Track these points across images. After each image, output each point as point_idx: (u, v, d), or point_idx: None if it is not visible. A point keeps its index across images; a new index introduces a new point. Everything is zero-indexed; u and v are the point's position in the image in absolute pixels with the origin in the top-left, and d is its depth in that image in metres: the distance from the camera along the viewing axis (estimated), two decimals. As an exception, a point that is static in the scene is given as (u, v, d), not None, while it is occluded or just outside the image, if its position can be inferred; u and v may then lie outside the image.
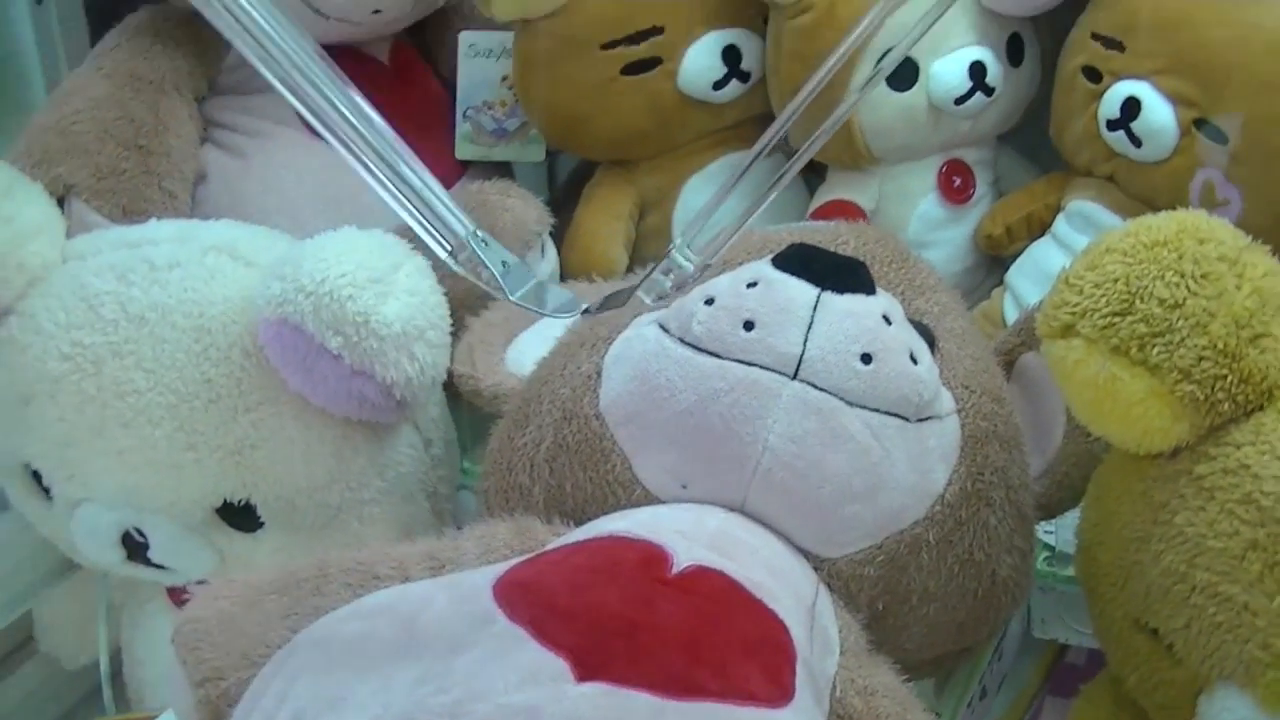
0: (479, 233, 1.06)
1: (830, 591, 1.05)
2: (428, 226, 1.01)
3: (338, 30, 1.57)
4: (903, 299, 1.13)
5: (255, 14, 0.96)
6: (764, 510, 1.05)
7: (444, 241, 1.03)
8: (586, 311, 1.11)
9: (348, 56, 1.58)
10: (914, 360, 1.05)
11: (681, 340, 1.06)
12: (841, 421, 1.02)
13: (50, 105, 1.55)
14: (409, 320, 1.22)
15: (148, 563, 1.36)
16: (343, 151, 1.03)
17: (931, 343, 1.11)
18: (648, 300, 1.06)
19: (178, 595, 1.46)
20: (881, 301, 1.07)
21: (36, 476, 1.36)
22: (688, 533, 1.00)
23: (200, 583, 1.39)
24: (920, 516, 1.07)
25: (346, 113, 0.99)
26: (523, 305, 1.09)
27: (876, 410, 1.03)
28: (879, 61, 1.38)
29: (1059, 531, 1.28)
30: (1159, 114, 1.37)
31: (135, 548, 1.35)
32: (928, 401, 1.06)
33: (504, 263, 1.07)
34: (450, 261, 1.07)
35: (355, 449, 1.32)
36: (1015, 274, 1.52)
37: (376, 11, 1.55)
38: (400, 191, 1.03)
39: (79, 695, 1.68)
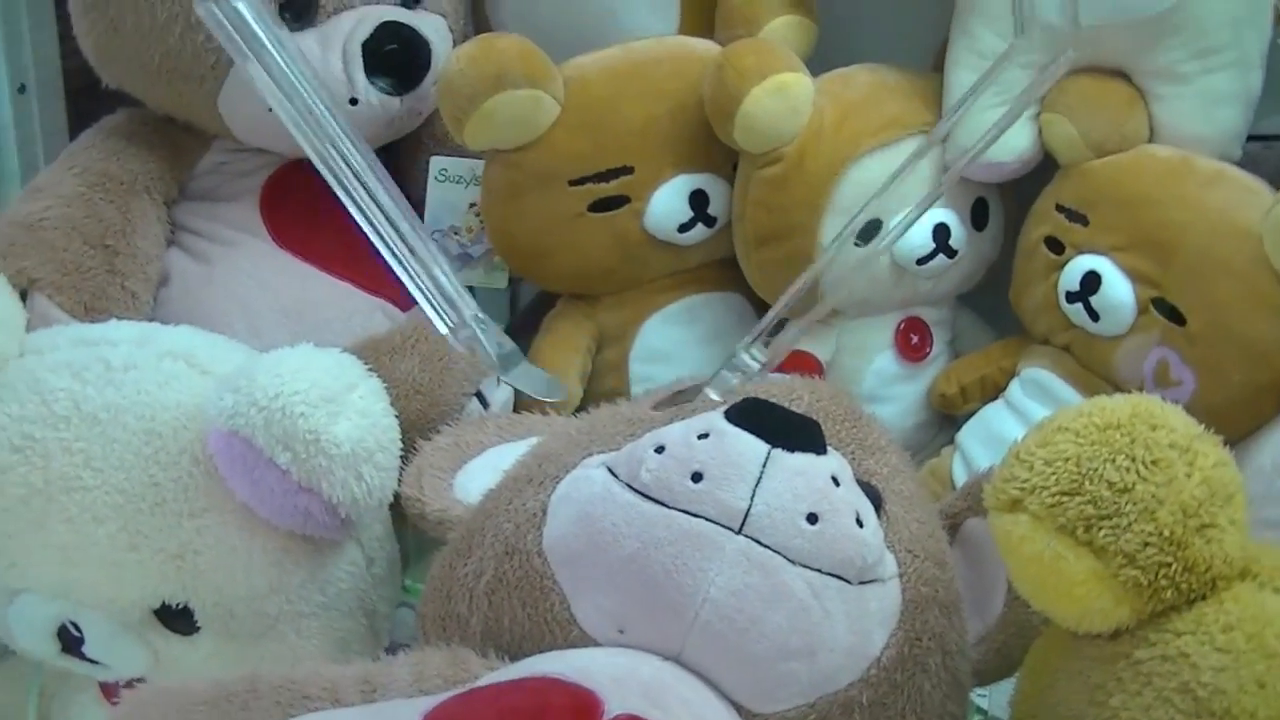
0: (480, 316, 1.12)
1: None
2: (434, 303, 1.00)
3: None
4: (853, 459, 1.12)
5: (301, 88, 0.95)
6: (700, 661, 1.03)
7: (447, 319, 1.02)
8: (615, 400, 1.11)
9: (315, 171, 1.55)
10: (860, 523, 1.04)
11: (629, 486, 1.05)
12: (784, 579, 1.01)
13: (20, 200, 1.55)
14: (359, 441, 1.22)
15: (82, 657, 1.35)
16: (362, 221, 1.03)
17: (878, 504, 1.10)
18: (716, 397, 1.07)
19: (110, 690, 1.45)
20: (831, 462, 1.06)
21: None
22: (621, 680, 0.99)
23: (132, 681, 1.36)
24: (855, 678, 1.05)
25: (374, 186, 0.98)
26: (514, 385, 1.17)
27: (819, 570, 1.02)
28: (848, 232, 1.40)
29: (992, 696, 1.26)
30: (1118, 290, 1.37)
31: (70, 641, 1.34)
32: (871, 565, 1.05)
33: (500, 344, 1.14)
34: (450, 338, 1.12)
35: (297, 562, 1.31)
36: (966, 434, 1.52)
37: (351, 132, 1.52)
38: (412, 266, 1.02)
39: (3, 786, 1.66)
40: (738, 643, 1.02)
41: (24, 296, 1.43)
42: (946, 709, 1.12)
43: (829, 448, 1.07)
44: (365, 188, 1.05)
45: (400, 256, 1.07)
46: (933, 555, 1.13)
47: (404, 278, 1.06)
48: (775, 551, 1.01)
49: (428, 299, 1.07)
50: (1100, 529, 0.96)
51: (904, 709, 1.08)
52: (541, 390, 1.18)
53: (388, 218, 1.05)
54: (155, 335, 1.35)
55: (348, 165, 1.04)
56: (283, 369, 1.22)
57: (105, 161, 1.55)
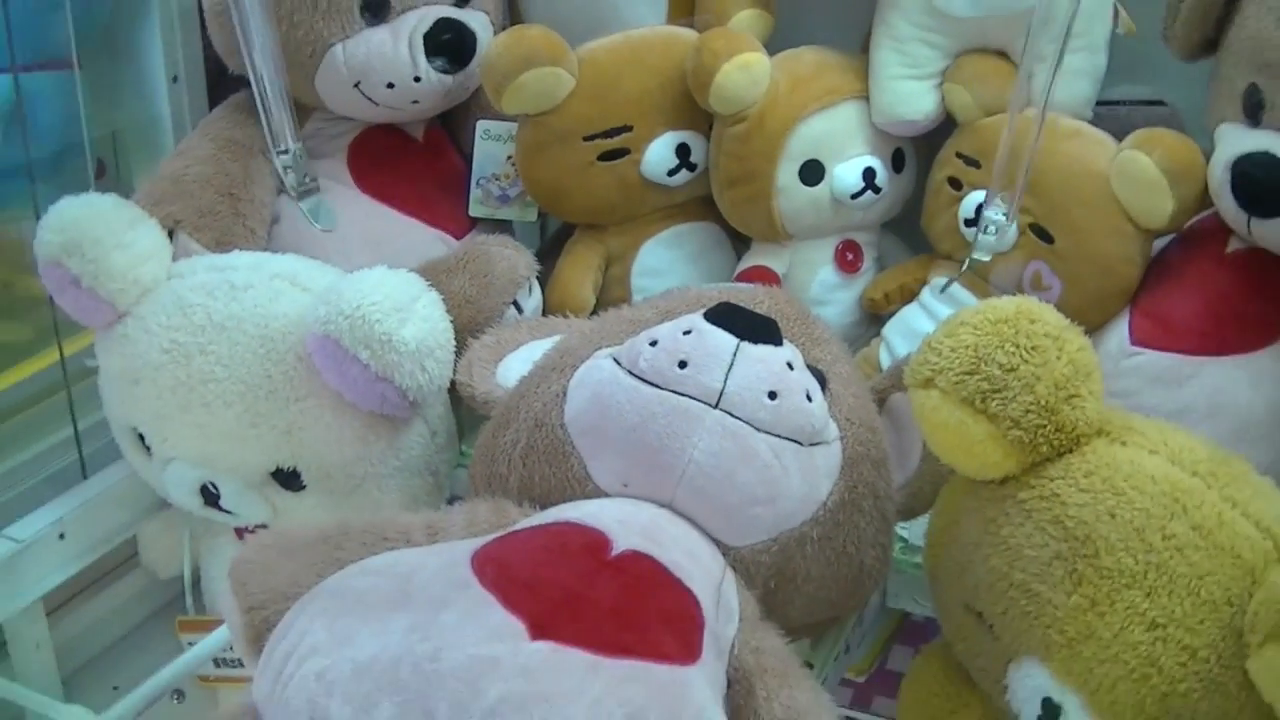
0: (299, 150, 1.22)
1: (734, 573, 1.04)
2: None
3: (384, 114, 1.56)
4: (803, 349, 1.11)
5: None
6: (687, 508, 1.04)
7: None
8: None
9: (391, 133, 1.61)
10: (809, 398, 1.05)
11: (630, 372, 1.05)
12: (751, 443, 1.02)
13: (168, 160, 1.54)
14: (422, 340, 1.24)
15: (219, 509, 1.39)
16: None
17: (823, 384, 1.10)
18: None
19: (242, 534, 1.49)
20: (786, 352, 1.06)
21: (141, 438, 1.38)
22: (626, 522, 1.00)
23: (259, 526, 1.42)
24: (807, 518, 1.06)
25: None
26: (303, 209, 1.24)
27: (779, 436, 1.03)
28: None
29: (911, 529, 1.26)
30: (1003, 217, 1.34)
31: (210, 497, 1.37)
32: (818, 430, 1.06)
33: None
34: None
35: (377, 435, 1.33)
36: (890, 330, 1.50)
37: (415, 102, 1.53)
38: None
39: (168, 598, 1.70)
40: (716, 493, 1.03)
41: (171, 235, 1.42)
42: (878, 540, 1.13)
43: (784, 341, 1.07)
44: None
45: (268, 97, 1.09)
46: (866, 423, 1.14)
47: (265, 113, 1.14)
48: (744, 422, 1.02)
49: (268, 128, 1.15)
50: (993, 400, 0.98)
51: (845, 541, 1.09)
52: (321, 220, 1.32)
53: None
54: (267, 261, 1.37)
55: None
56: (362, 285, 1.24)
57: (231, 129, 1.53)
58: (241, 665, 1.45)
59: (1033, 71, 1.27)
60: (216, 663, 1.48)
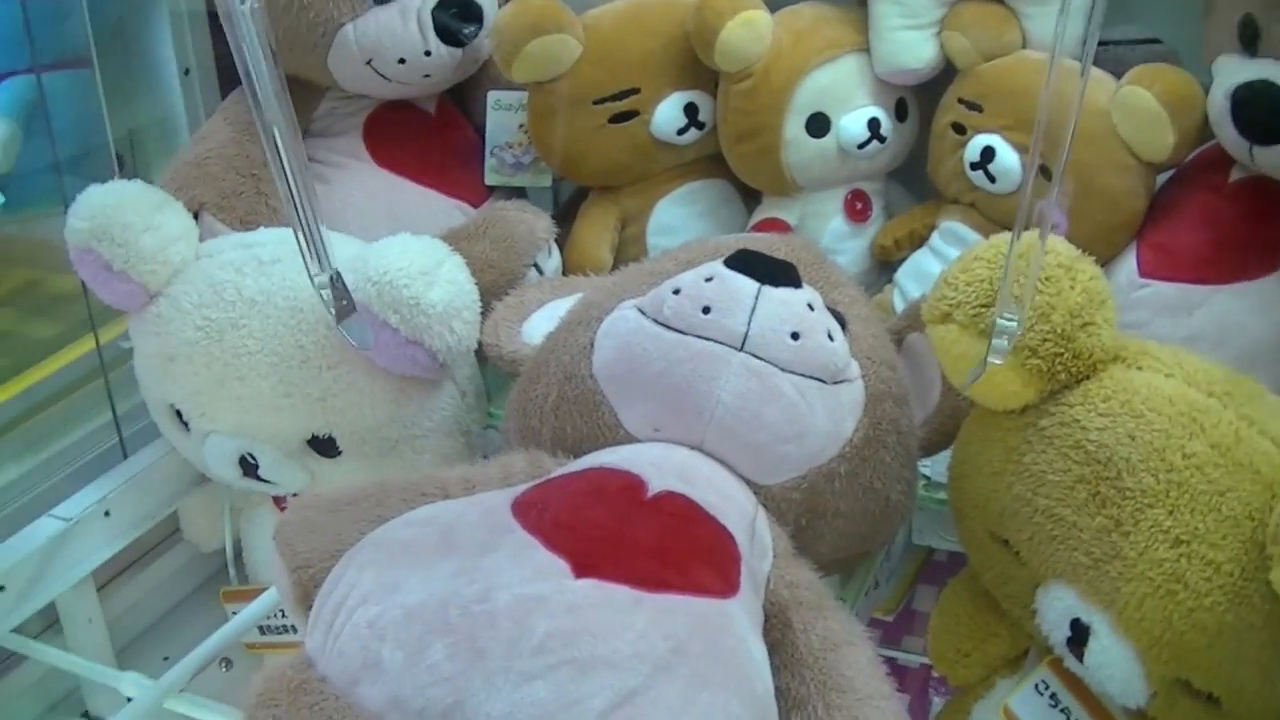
0: (335, 273, 1.17)
1: (766, 510, 1.04)
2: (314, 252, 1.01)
3: (396, 90, 1.56)
4: (821, 292, 1.11)
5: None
6: (717, 449, 1.04)
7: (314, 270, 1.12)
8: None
9: (404, 109, 1.62)
10: (830, 338, 1.05)
11: (655, 320, 1.05)
12: (776, 383, 1.02)
13: (188, 146, 1.56)
14: (449, 303, 1.24)
15: (258, 479, 1.40)
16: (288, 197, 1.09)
17: (843, 324, 1.10)
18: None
19: (281, 502, 1.49)
20: (806, 293, 1.06)
21: (178, 414, 1.39)
22: (659, 465, 1.01)
23: (296, 495, 1.42)
24: (834, 455, 1.06)
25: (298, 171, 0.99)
26: (343, 332, 1.21)
27: (803, 375, 1.03)
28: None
29: (934, 465, 1.26)
30: (1008, 159, 1.36)
31: (249, 468, 1.38)
32: (841, 368, 1.06)
33: (341, 301, 1.18)
34: (311, 283, 1.17)
35: (409, 398, 1.33)
36: (901, 275, 1.50)
37: (426, 76, 1.53)
38: (310, 232, 1.11)
39: (211, 571, 1.73)
40: (744, 433, 1.03)
41: (196, 217, 1.44)
42: (902, 475, 1.13)
43: (804, 284, 1.07)
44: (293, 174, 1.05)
45: (304, 224, 1.08)
46: (886, 361, 1.14)
47: (301, 240, 1.12)
48: (769, 363, 1.02)
49: (308, 256, 1.12)
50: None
51: (871, 476, 1.09)
52: (358, 339, 1.22)
53: (305, 200, 1.06)
54: (292, 236, 1.32)
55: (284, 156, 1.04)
56: (388, 252, 1.24)
57: (249, 113, 1.50)
58: (286, 631, 1.47)
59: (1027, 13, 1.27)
60: (262, 630, 1.48)
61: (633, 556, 0.89)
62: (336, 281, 1.15)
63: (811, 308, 1.05)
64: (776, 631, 0.97)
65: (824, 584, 1.02)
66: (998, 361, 0.99)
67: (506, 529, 0.91)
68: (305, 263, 1.13)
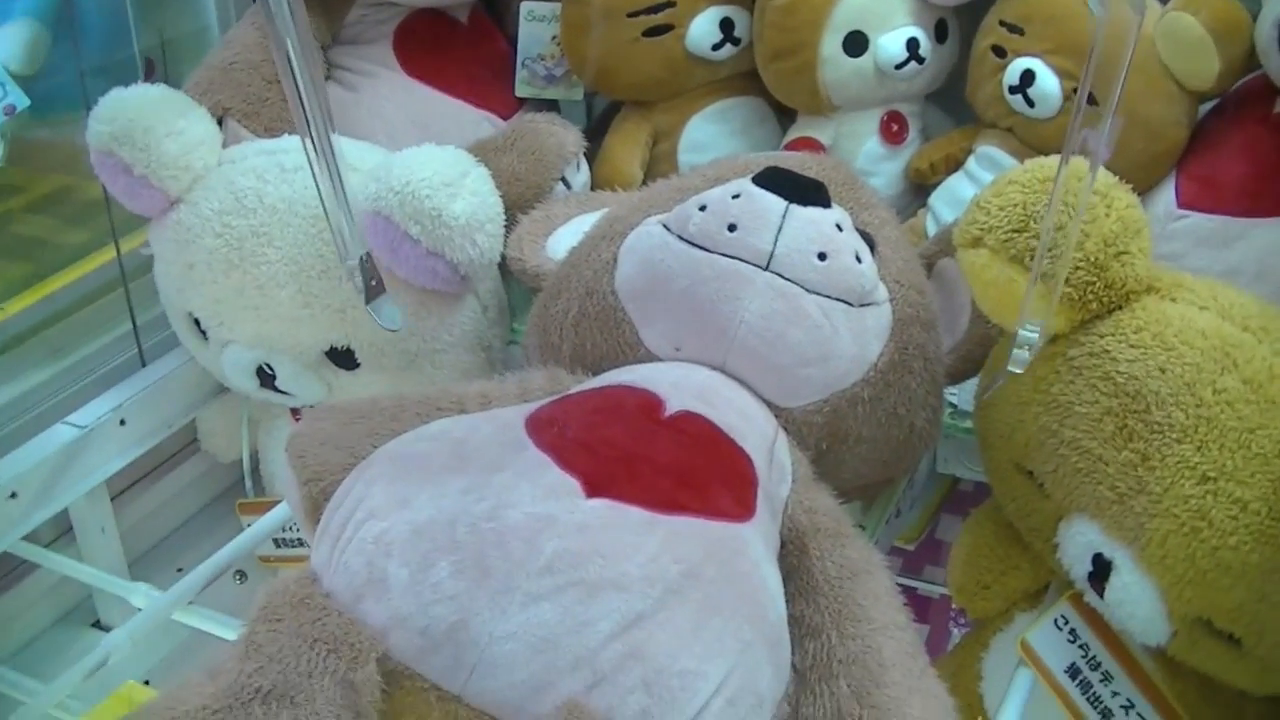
0: (364, 256, 1.12)
1: (787, 434, 1.03)
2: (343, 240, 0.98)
3: None
4: (851, 213, 1.08)
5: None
6: (739, 370, 1.03)
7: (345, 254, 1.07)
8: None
9: (436, 17, 1.61)
10: (858, 259, 1.03)
11: (680, 237, 1.03)
12: (802, 304, 1.00)
13: (215, 51, 1.54)
14: (472, 215, 1.23)
15: (276, 390, 1.39)
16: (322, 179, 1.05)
17: (872, 247, 1.08)
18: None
19: (298, 414, 1.50)
20: (835, 213, 1.04)
21: (197, 322, 1.39)
22: (679, 384, 0.99)
23: (313, 407, 1.37)
24: (858, 379, 1.05)
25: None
26: (371, 313, 1.16)
27: (829, 297, 1.01)
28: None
29: (960, 394, 1.25)
30: (1048, 83, 1.34)
31: (266, 378, 1.38)
32: (868, 291, 1.04)
33: (370, 280, 1.13)
34: (342, 264, 1.11)
35: (430, 310, 1.33)
36: (935, 199, 1.49)
37: (460, -14, 1.51)
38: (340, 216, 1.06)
39: (229, 482, 1.73)
40: (767, 354, 1.01)
41: (220, 123, 1.42)
42: (928, 401, 1.12)
43: (833, 203, 1.05)
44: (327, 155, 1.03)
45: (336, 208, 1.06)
46: (915, 285, 1.12)
47: (334, 225, 1.08)
48: (794, 283, 1.01)
49: (339, 239, 1.08)
50: (1042, 258, 0.96)
51: (895, 402, 1.08)
52: (386, 320, 1.17)
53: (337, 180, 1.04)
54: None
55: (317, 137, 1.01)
56: (411, 162, 1.23)
57: None
58: (301, 545, 1.47)
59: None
60: (277, 543, 1.49)
61: (647, 477, 0.88)
62: (365, 263, 1.12)
63: (840, 228, 1.03)
64: (793, 557, 0.96)
65: (843, 511, 1.01)
66: (1017, 370, 0.99)
67: (520, 446, 0.90)
68: (336, 244, 1.11)
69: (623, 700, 0.78)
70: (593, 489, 0.85)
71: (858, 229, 1.07)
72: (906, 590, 1.00)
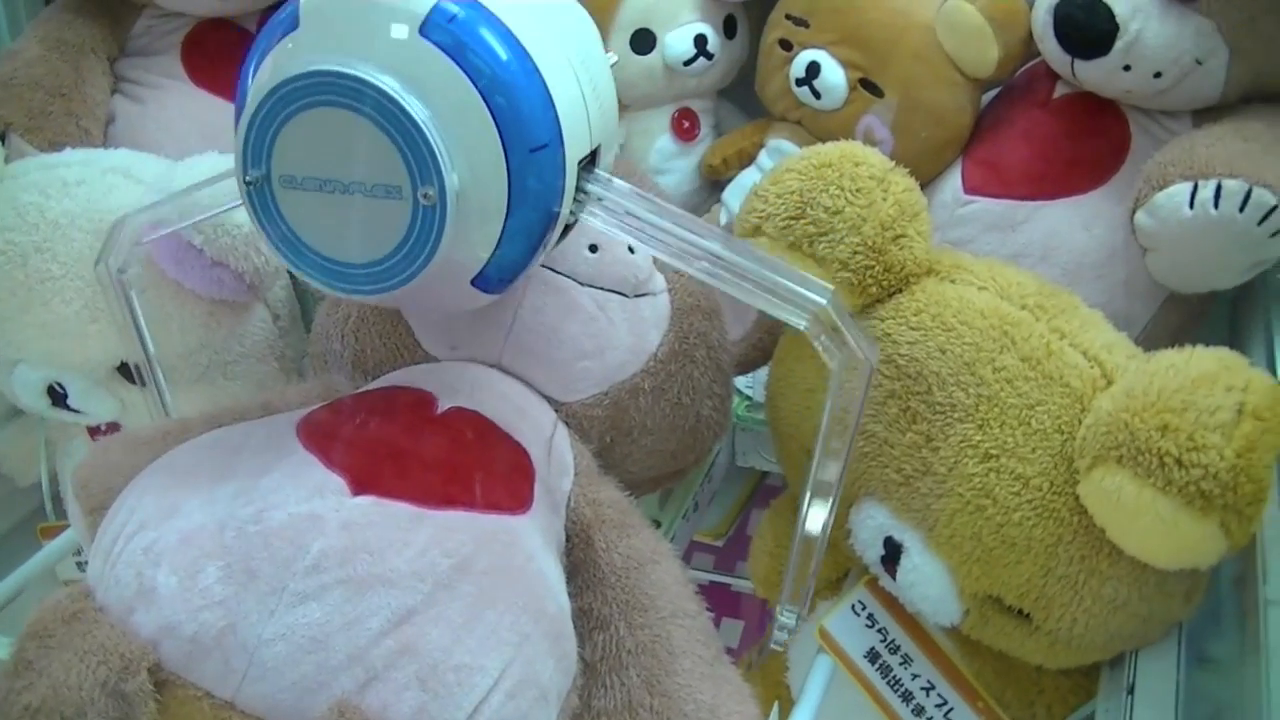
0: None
1: (567, 427, 1.02)
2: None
3: (215, 6, 1.54)
4: None
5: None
6: (515, 365, 1.02)
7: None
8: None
9: (224, 26, 1.58)
10: (630, 250, 1.03)
11: None
12: (574, 296, 1.00)
13: None
14: None
15: (68, 408, 1.35)
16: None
17: None
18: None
19: (95, 433, 1.46)
20: None
21: None
22: (451, 383, 0.98)
23: (110, 425, 1.40)
24: (638, 370, 1.04)
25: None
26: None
27: (601, 288, 1.01)
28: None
29: (756, 386, 1.25)
30: (833, 74, 1.34)
31: (58, 397, 1.34)
32: (642, 281, 1.04)
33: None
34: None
35: (219, 322, 1.30)
36: (729, 194, 1.49)
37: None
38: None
39: (29, 507, 1.66)
40: (543, 348, 1.01)
41: (3, 138, 1.40)
42: (713, 390, 1.11)
43: None
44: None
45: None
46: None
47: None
48: (566, 276, 1.00)
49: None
50: (820, 243, 0.97)
51: (679, 391, 1.07)
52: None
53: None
54: (99, 157, 1.33)
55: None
56: (192, 171, 1.21)
57: (60, 30, 1.50)
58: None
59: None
60: (80, 566, 1.45)
61: (415, 472, 0.87)
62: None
63: None
64: (579, 551, 0.95)
65: (630, 502, 1.01)
66: (777, 649, 0.99)
67: (288, 449, 0.88)
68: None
69: (398, 697, 0.77)
70: (359, 486, 0.84)
71: None
72: (719, 587, 1.00)
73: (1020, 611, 0.96)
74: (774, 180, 1.00)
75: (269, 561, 0.79)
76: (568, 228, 0.90)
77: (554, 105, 0.83)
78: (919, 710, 1.08)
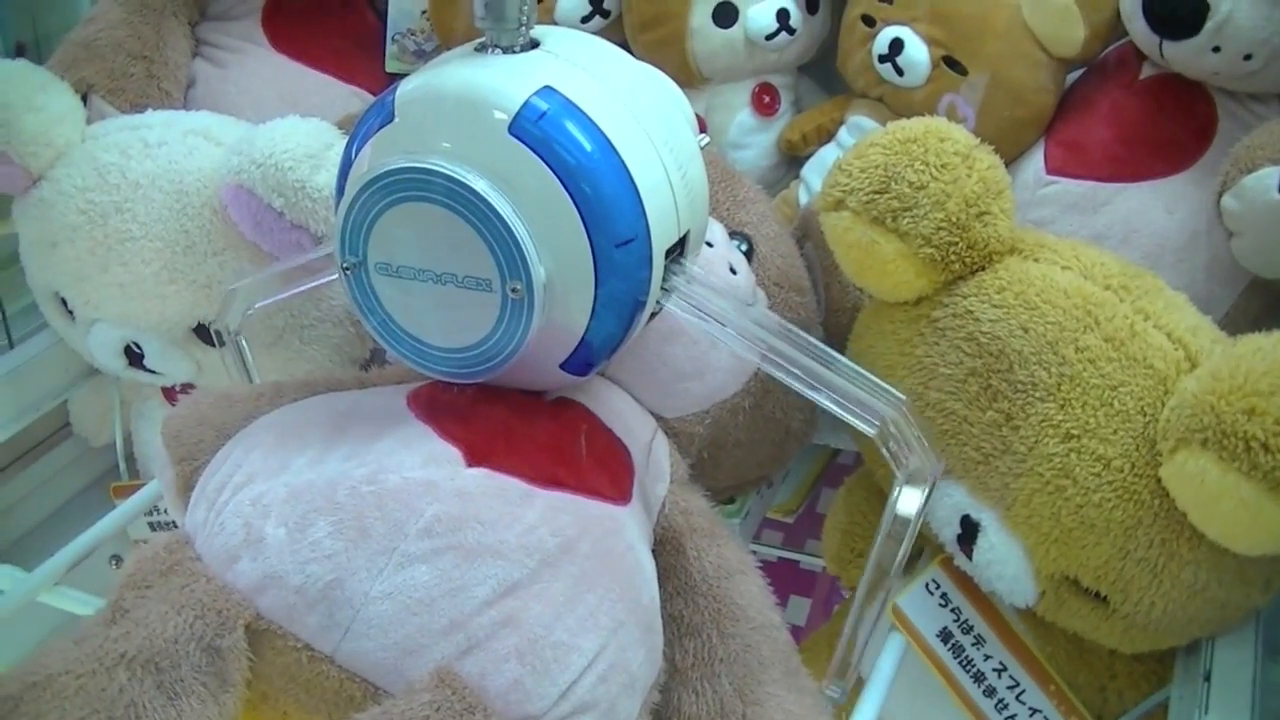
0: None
1: (667, 437, 1.04)
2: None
3: None
4: (727, 212, 1.11)
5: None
6: (621, 379, 1.04)
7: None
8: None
9: None
10: (733, 270, 1.05)
11: None
12: (676, 320, 0.99)
13: (79, 27, 1.51)
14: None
15: (144, 369, 1.37)
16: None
17: (751, 248, 1.09)
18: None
19: (171, 394, 1.47)
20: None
21: (63, 302, 1.36)
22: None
23: (185, 386, 1.41)
24: (739, 389, 1.07)
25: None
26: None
27: None
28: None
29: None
30: (917, 51, 1.33)
31: (134, 357, 1.36)
32: (744, 302, 1.02)
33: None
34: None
35: (296, 285, 1.26)
36: (808, 170, 1.48)
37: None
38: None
39: (103, 466, 1.68)
40: (645, 368, 1.04)
41: (85, 99, 1.40)
42: (803, 402, 1.09)
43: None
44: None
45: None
46: (794, 285, 1.13)
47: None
48: None
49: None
50: (903, 218, 0.97)
51: (773, 407, 1.10)
52: None
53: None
54: (180, 118, 1.35)
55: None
56: (274, 134, 1.22)
57: None
58: (175, 527, 1.44)
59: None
60: (152, 526, 1.47)
61: (526, 449, 0.89)
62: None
63: (711, 244, 1.04)
64: (669, 557, 0.97)
65: (717, 513, 1.02)
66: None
67: (401, 418, 0.90)
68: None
69: (496, 668, 0.78)
70: (473, 458, 0.86)
71: (735, 230, 1.08)
72: (789, 564, 1.00)
73: (1097, 594, 0.96)
74: (858, 154, 1.00)
75: (381, 521, 0.81)
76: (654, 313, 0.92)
77: (640, 198, 0.84)
78: (990, 691, 1.08)
